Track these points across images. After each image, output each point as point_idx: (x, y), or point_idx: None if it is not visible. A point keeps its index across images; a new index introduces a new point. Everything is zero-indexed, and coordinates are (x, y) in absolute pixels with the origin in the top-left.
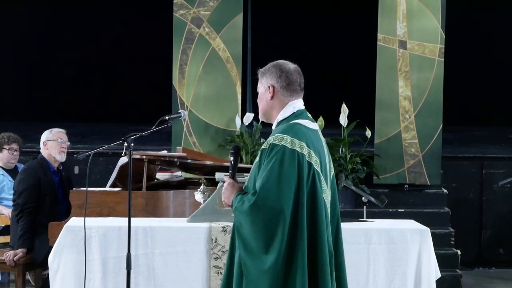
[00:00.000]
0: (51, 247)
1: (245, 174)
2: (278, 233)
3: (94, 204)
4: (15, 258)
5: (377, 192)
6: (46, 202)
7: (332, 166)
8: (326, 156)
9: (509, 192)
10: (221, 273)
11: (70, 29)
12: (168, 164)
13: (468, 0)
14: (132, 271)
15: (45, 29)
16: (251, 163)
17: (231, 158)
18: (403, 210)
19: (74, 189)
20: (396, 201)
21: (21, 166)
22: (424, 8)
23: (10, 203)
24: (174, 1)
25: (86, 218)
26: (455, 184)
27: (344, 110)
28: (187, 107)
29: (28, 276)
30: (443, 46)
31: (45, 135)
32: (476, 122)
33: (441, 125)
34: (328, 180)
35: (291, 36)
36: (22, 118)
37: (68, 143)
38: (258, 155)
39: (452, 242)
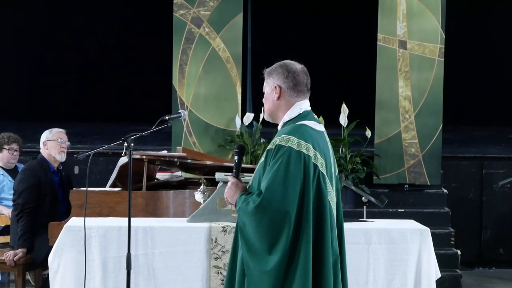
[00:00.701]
0: (51, 247)
1: (245, 174)
2: (282, 234)
3: (94, 204)
4: (15, 258)
5: (377, 192)
6: (46, 202)
7: (336, 167)
8: (331, 158)
9: (509, 192)
10: (221, 273)
11: (70, 29)
12: (168, 164)
13: (468, 0)
14: (132, 271)
15: (45, 29)
16: (251, 163)
17: (235, 158)
18: (403, 210)
19: (74, 189)
20: (396, 201)
21: (21, 166)
22: (424, 8)
23: (10, 203)
24: (174, 1)
25: (86, 218)
26: (455, 184)
27: (344, 110)
28: (187, 107)
29: (28, 276)
30: (443, 46)
31: (45, 135)
32: (476, 122)
33: (441, 125)
34: (333, 182)
35: (291, 36)
36: (22, 118)
37: (68, 143)
38: (263, 155)
39: (452, 242)
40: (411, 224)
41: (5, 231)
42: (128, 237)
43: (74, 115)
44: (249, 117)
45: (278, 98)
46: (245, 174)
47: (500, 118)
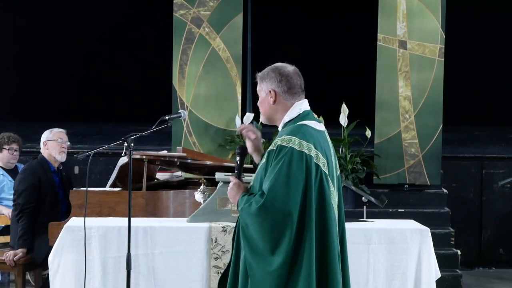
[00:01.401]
0: (51, 247)
1: (245, 174)
2: (285, 235)
3: (94, 204)
4: (15, 258)
5: (377, 192)
6: (46, 202)
7: (337, 166)
8: (333, 157)
9: (509, 192)
10: (221, 273)
11: (70, 29)
12: (168, 164)
13: (468, 0)
14: (132, 271)
15: (45, 29)
16: (251, 163)
17: (237, 158)
18: (403, 210)
19: (74, 189)
20: (396, 201)
21: (21, 166)
22: (424, 8)
23: (10, 203)
24: (174, 1)
25: (86, 218)
26: (455, 184)
27: (344, 110)
28: (187, 107)
29: (28, 276)
30: (443, 46)
31: (45, 135)
32: (476, 122)
33: (441, 125)
34: (335, 181)
35: (291, 36)
36: (22, 118)
37: (68, 143)
38: (265, 156)
39: (452, 242)
40: (411, 224)
41: (5, 231)
42: (128, 237)
43: (74, 115)
44: (249, 117)
45: (274, 102)
46: (245, 174)
47: (500, 118)
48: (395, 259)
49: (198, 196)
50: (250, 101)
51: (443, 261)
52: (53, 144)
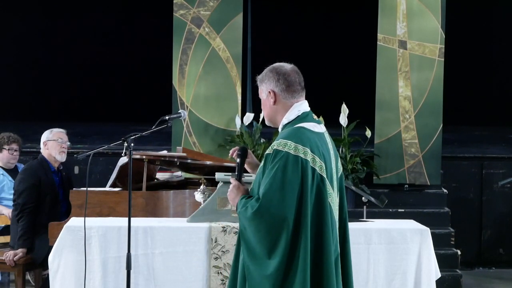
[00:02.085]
0: (51, 247)
1: (245, 174)
2: (281, 239)
3: (94, 204)
4: (15, 258)
5: (377, 192)
6: (46, 202)
7: (339, 166)
8: (332, 158)
9: (509, 192)
10: (221, 273)
11: (70, 29)
12: (168, 164)
13: (468, 0)
14: (132, 271)
15: (45, 29)
16: None
17: (238, 160)
18: (403, 210)
19: (74, 189)
20: (396, 201)
21: (21, 166)
22: (424, 8)
23: (10, 203)
24: (174, 1)
25: (86, 218)
26: (455, 184)
27: (344, 110)
28: (187, 107)
29: (28, 276)
30: (443, 46)
31: (45, 135)
32: (476, 122)
33: (441, 125)
34: (334, 182)
35: (291, 36)
36: (22, 118)
37: (68, 143)
38: (263, 160)
39: (452, 242)
40: (411, 224)
41: (5, 231)
42: (128, 237)
43: (74, 115)
44: (249, 117)
45: (274, 102)
46: (245, 174)
47: (500, 118)
48: (395, 259)
49: (198, 196)
50: (250, 101)
51: (443, 261)
52: (53, 144)
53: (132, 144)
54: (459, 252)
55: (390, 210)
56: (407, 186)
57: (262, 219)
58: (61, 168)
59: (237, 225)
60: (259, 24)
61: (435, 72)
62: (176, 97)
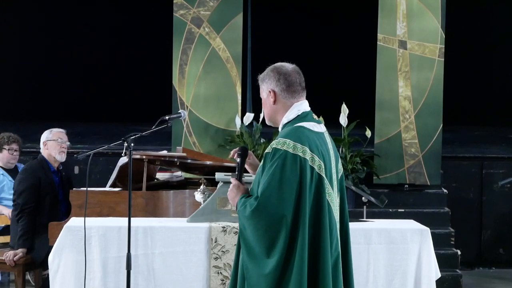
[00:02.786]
0: (51, 247)
1: (245, 174)
2: (279, 238)
3: (94, 204)
4: (15, 258)
5: (377, 192)
6: (46, 202)
7: (340, 167)
8: (332, 158)
9: (509, 192)
10: (221, 273)
11: (70, 29)
12: (168, 164)
13: (468, 0)
14: (132, 271)
15: (45, 30)
16: None
17: (238, 160)
18: (403, 210)
19: (74, 189)
20: (396, 201)
21: (21, 166)
22: (424, 8)
23: (10, 203)
24: (174, 1)
25: (86, 218)
26: (455, 184)
27: (344, 110)
28: (187, 107)
29: (28, 276)
30: (443, 46)
31: (45, 135)
32: (476, 122)
33: (441, 125)
34: (334, 182)
35: (291, 36)
36: (22, 118)
37: (68, 143)
38: (262, 159)
39: (452, 242)
40: (411, 224)
41: (5, 231)
42: (128, 237)
43: (74, 115)
44: (249, 117)
45: (274, 102)
46: (245, 174)
47: (500, 118)
48: (395, 259)
49: (198, 196)
50: (250, 101)
51: (443, 261)
52: (53, 144)
53: (132, 144)
54: (459, 252)
55: (390, 210)
56: (407, 186)
57: (261, 217)
58: (61, 168)
59: (237, 225)
60: (259, 24)
61: (435, 72)
62: (176, 97)
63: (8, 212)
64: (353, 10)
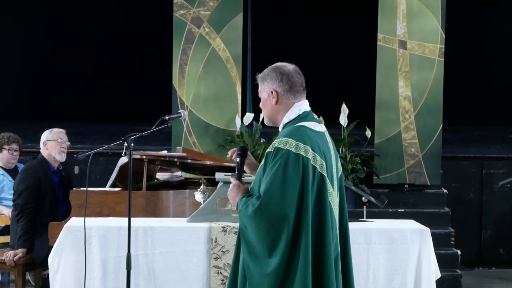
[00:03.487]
0: (51, 247)
1: (245, 174)
2: (282, 237)
3: (94, 204)
4: (15, 258)
5: (377, 192)
6: (46, 202)
7: (339, 166)
8: (333, 158)
9: (509, 192)
10: (221, 273)
11: (69, 29)
12: (168, 164)
13: (468, 0)
14: (132, 271)
15: (45, 30)
16: None
17: (238, 159)
18: (403, 210)
19: (74, 189)
20: (396, 201)
21: (21, 166)
22: (424, 8)
23: (10, 203)
24: (174, 1)
25: (86, 218)
26: (455, 184)
27: (344, 110)
28: (187, 107)
29: (28, 276)
30: (443, 46)
31: (45, 135)
32: (476, 122)
33: (441, 125)
34: (335, 182)
35: (291, 36)
36: (22, 118)
37: (68, 143)
38: (264, 158)
39: (452, 242)
40: (411, 224)
41: (5, 231)
42: (128, 237)
43: (74, 115)
44: (249, 117)
45: (276, 102)
46: (245, 174)
47: (500, 118)
48: (395, 259)
49: (198, 196)
50: (250, 101)
51: (443, 261)
52: (53, 144)
53: (132, 144)
54: (459, 252)
55: (390, 210)
56: (407, 186)
57: (263, 217)
58: (61, 168)
59: (237, 225)
60: (259, 24)
61: (435, 72)
62: (176, 97)
63: (8, 212)
64: (353, 10)
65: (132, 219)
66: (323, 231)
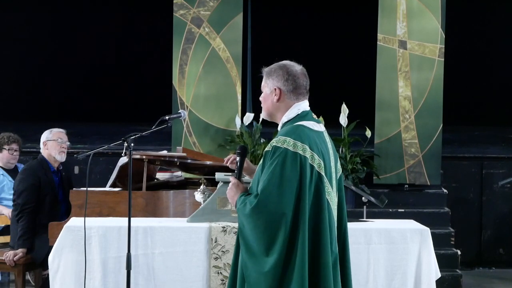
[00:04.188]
0: (51, 247)
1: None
2: (279, 236)
3: (94, 204)
4: (15, 258)
5: (377, 192)
6: (46, 202)
7: (339, 167)
8: (332, 158)
9: (509, 192)
10: (221, 273)
11: (69, 29)
12: (168, 164)
13: (468, 0)
14: (132, 271)
15: (45, 30)
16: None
17: (237, 159)
18: (403, 210)
19: (74, 189)
20: (396, 201)
21: (21, 166)
22: (424, 8)
23: (10, 203)
24: (174, 1)
25: (86, 218)
26: (455, 184)
27: (344, 110)
28: (187, 107)
29: (28, 276)
30: (443, 46)
31: (45, 135)
32: (476, 122)
33: (441, 125)
34: (333, 182)
35: (291, 36)
36: (22, 118)
37: (68, 143)
38: (262, 157)
39: (452, 242)
40: (411, 224)
41: (5, 231)
42: (128, 237)
43: (74, 115)
44: (249, 117)
45: (278, 100)
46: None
47: (500, 118)
48: (395, 259)
49: (198, 196)
50: (250, 101)
51: (443, 261)
52: (53, 144)
53: (132, 144)
54: (459, 252)
55: (390, 210)
56: (407, 186)
57: (260, 215)
58: (61, 168)
59: (237, 225)
60: (259, 24)
61: (435, 72)
62: (176, 97)
63: (8, 212)
64: (353, 10)
65: (132, 219)
66: (321, 230)
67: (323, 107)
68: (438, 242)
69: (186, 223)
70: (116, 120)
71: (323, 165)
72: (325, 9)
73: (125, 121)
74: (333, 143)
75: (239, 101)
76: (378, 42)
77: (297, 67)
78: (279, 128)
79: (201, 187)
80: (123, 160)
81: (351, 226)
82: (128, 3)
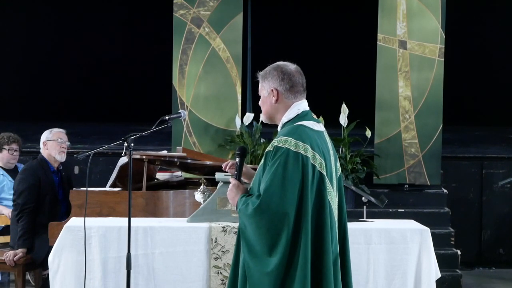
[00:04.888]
0: (51, 247)
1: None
2: (282, 236)
3: (94, 204)
4: (15, 258)
5: (377, 192)
6: (46, 202)
7: (338, 166)
8: (332, 157)
9: (509, 192)
10: (221, 273)
11: (70, 29)
12: (168, 164)
13: (468, 0)
14: (132, 271)
15: (45, 30)
16: (251, 163)
17: (237, 159)
18: (403, 210)
19: (74, 189)
20: (396, 201)
21: (21, 166)
22: (424, 8)
23: (10, 203)
24: (174, 1)
25: (86, 218)
26: (455, 184)
27: (344, 110)
28: (187, 107)
29: (28, 276)
30: (443, 46)
31: (45, 135)
32: (476, 122)
33: (441, 125)
34: (334, 181)
35: (291, 36)
36: (22, 118)
37: (68, 143)
38: (263, 157)
39: (452, 242)
40: (411, 224)
41: (5, 231)
42: (128, 237)
43: (74, 115)
44: (249, 117)
45: (276, 101)
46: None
47: (500, 118)
48: (395, 259)
49: (198, 196)
50: (250, 101)
51: (443, 261)
52: (53, 144)
53: (132, 144)
54: (459, 252)
55: (390, 210)
56: (407, 186)
57: (263, 216)
58: (61, 168)
59: (237, 225)
60: (259, 24)
61: (435, 72)
62: (176, 97)
63: (8, 212)
64: (353, 10)
65: (132, 219)
66: (323, 230)
67: (323, 107)
68: (438, 242)
69: (186, 223)
70: (116, 120)
71: (324, 165)
72: (325, 9)
73: (125, 121)
74: (333, 143)
75: (239, 101)
76: (378, 42)
77: (291, 66)
78: (279, 129)
79: (201, 187)
80: (123, 160)
81: (351, 226)
82: (128, 3)
